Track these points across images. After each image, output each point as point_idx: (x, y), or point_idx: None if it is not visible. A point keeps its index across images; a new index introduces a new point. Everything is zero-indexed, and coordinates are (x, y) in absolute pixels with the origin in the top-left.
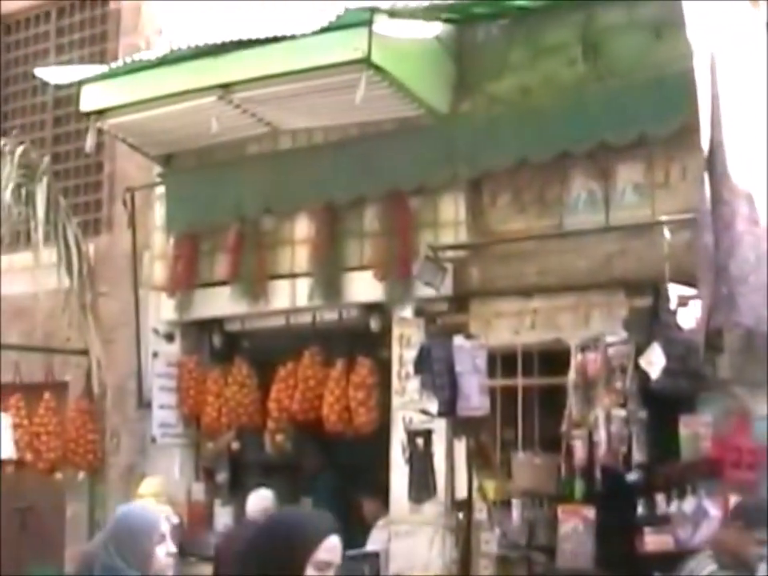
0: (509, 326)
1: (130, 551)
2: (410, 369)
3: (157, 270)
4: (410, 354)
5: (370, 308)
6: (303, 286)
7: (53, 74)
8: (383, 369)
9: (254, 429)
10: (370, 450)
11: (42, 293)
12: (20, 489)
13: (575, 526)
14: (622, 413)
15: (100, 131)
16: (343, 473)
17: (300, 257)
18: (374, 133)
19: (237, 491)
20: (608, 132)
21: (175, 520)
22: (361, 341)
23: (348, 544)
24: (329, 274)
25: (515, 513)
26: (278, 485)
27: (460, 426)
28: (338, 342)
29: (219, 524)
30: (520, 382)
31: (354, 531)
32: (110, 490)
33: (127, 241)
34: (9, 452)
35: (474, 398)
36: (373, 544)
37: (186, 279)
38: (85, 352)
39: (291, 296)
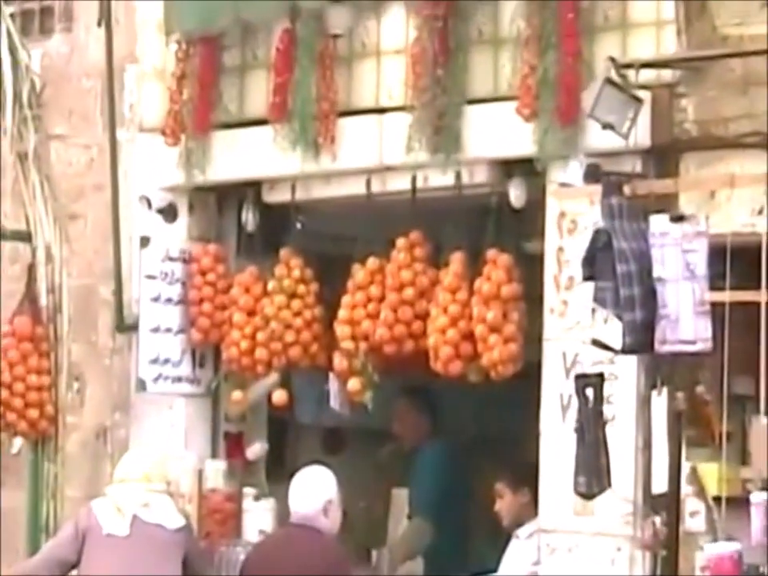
0: (748, 201)
1: None
2: (577, 272)
3: (148, 99)
4: (577, 247)
5: (509, 169)
6: (396, 128)
7: None
8: (530, 272)
9: (312, 370)
10: (507, 408)
11: None
12: None
13: None
14: None
15: None
16: (460, 446)
17: (392, 78)
18: None
19: (281, 474)
20: None
21: (178, 522)
22: (493, 224)
23: (469, 564)
24: (440, 108)
25: (755, 517)
26: (351, 464)
27: (660, 370)
28: (453, 226)
29: (251, 529)
30: (765, 296)
31: (479, 543)
32: (68, 470)
33: (98, 48)
34: None
35: (686, 324)
36: (510, 565)
37: (199, 116)
38: (26, 236)
39: (376, 146)
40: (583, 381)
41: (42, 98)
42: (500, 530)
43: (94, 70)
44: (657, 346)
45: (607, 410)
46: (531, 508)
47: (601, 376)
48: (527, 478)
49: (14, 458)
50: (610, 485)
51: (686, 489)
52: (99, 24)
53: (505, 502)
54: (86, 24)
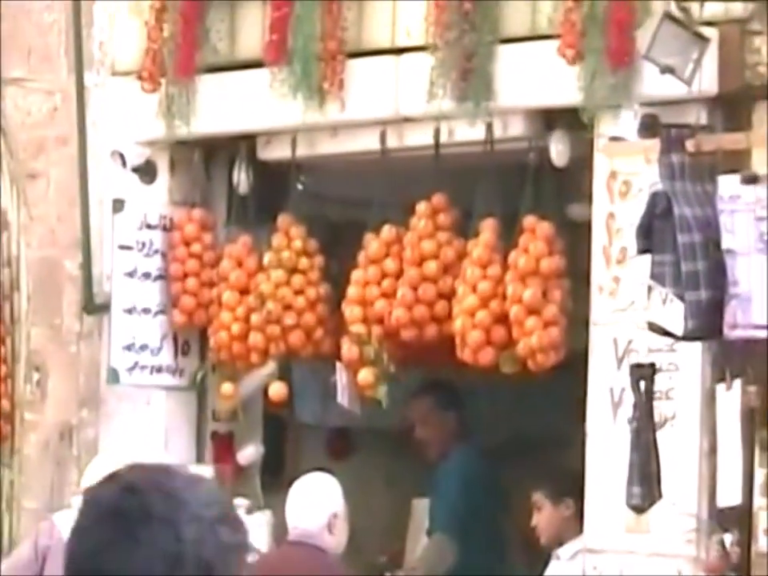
0: None
1: None
2: (631, 243)
3: (122, 36)
4: (631, 214)
5: (550, 120)
6: (416, 71)
7: None
8: (574, 243)
9: (316, 359)
10: (547, 405)
11: None
12: None
13: None
14: None
15: None
16: (492, 450)
17: (411, 12)
18: None
19: (278, 483)
20: None
21: None
22: (531, 186)
23: None
24: (468, 48)
25: None
26: (361, 471)
27: (730, 360)
28: (484, 189)
29: None
30: None
31: (512, 564)
32: (26, 476)
33: None
34: None
35: (761, 305)
36: None
37: (182, 57)
38: None
39: (391, 93)
40: (639, 372)
41: None
42: (537, 550)
43: (56, 2)
44: (726, 331)
45: (666, 407)
46: (575, 523)
47: (652, 367)
48: (570, 487)
49: None
50: (660, 495)
51: (759, 501)
52: None
53: (543, 516)
54: None
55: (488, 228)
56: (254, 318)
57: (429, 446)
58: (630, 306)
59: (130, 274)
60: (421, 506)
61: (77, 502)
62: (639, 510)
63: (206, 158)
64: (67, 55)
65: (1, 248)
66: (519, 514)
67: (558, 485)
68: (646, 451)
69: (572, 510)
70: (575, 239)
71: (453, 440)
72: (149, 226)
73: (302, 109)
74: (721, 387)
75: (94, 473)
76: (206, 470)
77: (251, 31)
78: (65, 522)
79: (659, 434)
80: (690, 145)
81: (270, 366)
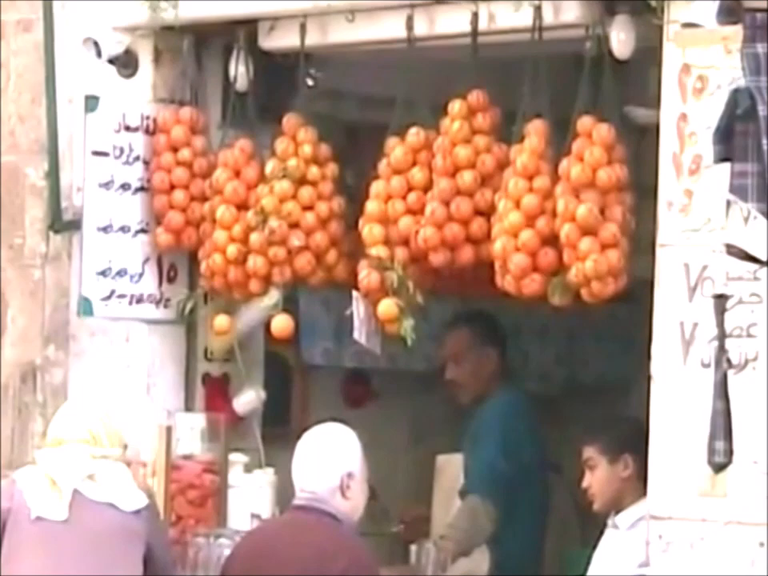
0: None
1: None
2: (707, 149)
3: None
4: (707, 115)
5: (610, 3)
6: None
7: None
8: (639, 150)
9: (327, 287)
10: (604, 342)
11: None
12: None
13: None
14: None
15: None
16: (538, 396)
17: None
18: None
19: (283, 435)
20: None
21: (137, 501)
22: (587, 82)
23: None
24: None
25: None
26: (382, 421)
27: None
28: (530, 85)
29: (239, 513)
30: None
31: (564, 530)
32: None
33: None
34: None
35: None
36: (605, 564)
37: None
38: None
39: None
40: (722, 303)
41: None
42: (590, 516)
43: None
44: None
45: (748, 346)
46: (636, 485)
47: (722, 297)
48: (631, 441)
49: None
50: (729, 453)
51: None
52: None
53: (597, 476)
54: None
55: (535, 131)
56: (254, 238)
57: (463, 389)
58: (705, 224)
59: (106, 186)
60: (453, 463)
61: (41, 456)
62: (723, 467)
63: (197, 48)
64: None
65: None
66: (569, 473)
67: (616, 438)
68: (724, 397)
69: (632, 470)
70: (640, 145)
71: (492, 382)
72: (128, 128)
73: None
74: None
75: (63, 422)
76: (197, 419)
77: None
78: (27, 480)
79: (738, 378)
80: None
81: (273, 296)
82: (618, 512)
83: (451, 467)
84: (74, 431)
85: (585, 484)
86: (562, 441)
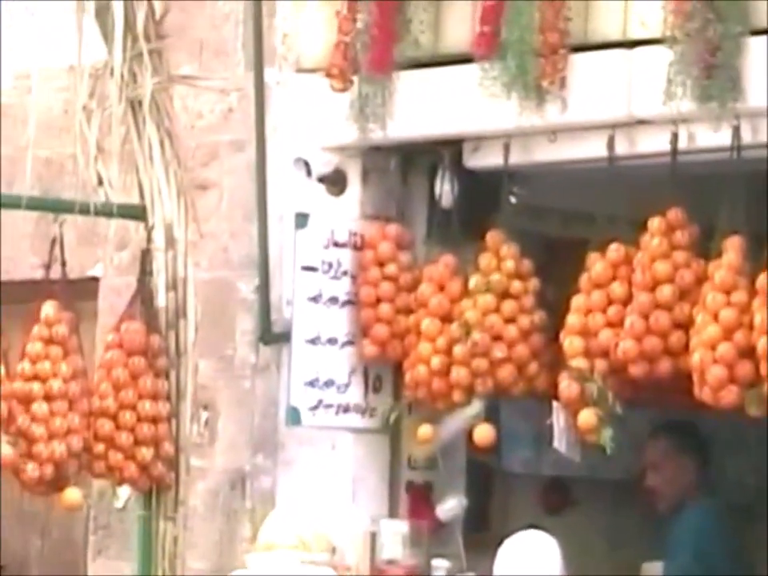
0: None
1: None
2: None
3: (308, 27)
4: None
5: None
6: (651, 67)
7: None
8: None
9: (529, 397)
10: None
11: (38, 75)
12: None
13: None
14: None
15: None
16: (738, 507)
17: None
18: None
19: (484, 541)
20: None
21: None
22: None
23: None
24: (713, 40)
25: None
26: (581, 528)
27: None
28: (729, 202)
29: None
30: None
31: None
32: (192, 532)
33: None
34: None
35: None
36: None
37: (378, 51)
38: (139, 213)
39: (622, 91)
40: None
41: (163, 26)
42: None
43: None
44: None
45: None
46: None
47: None
48: None
49: (119, 514)
50: None
51: None
52: None
53: None
54: None
55: (733, 247)
56: (458, 350)
57: (661, 497)
58: None
59: (314, 299)
60: (657, 570)
61: (252, 561)
62: None
63: (404, 166)
64: (245, 50)
65: (166, 269)
66: None
67: None
68: None
69: None
70: None
71: (690, 491)
72: (336, 244)
73: (516, 110)
74: None
75: (271, 530)
76: (400, 525)
77: (458, 22)
78: None
79: None
80: None
81: (476, 406)
82: None
83: (656, 574)
84: (283, 536)
85: None
86: (756, 548)
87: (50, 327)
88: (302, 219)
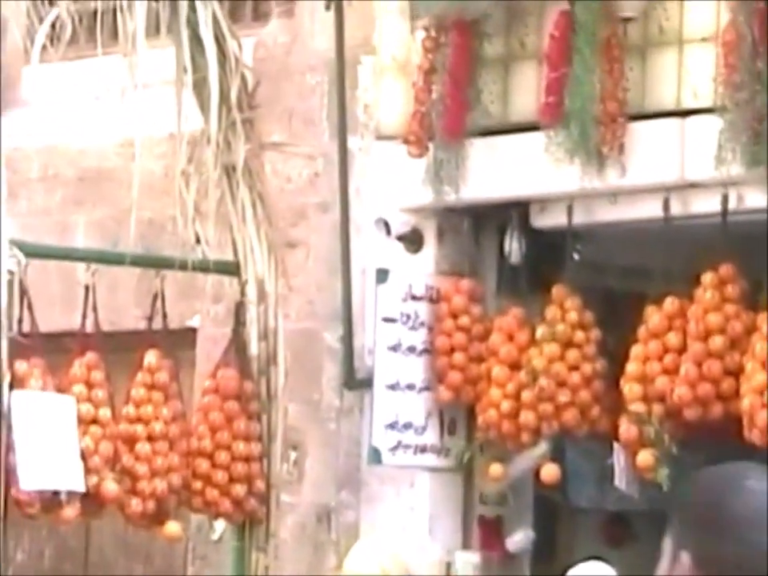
0: None
1: None
2: None
3: (387, 98)
4: None
5: None
6: (703, 134)
7: None
8: None
9: (591, 439)
10: None
11: (141, 142)
12: (89, 560)
13: None
14: None
15: None
16: None
17: (698, 72)
18: None
19: (550, 571)
20: None
21: None
22: None
23: None
24: (760, 109)
25: None
26: (641, 560)
27: None
28: None
29: None
30: None
31: None
32: (282, 561)
33: (326, 36)
34: (76, 480)
35: None
36: None
37: (452, 119)
38: (233, 268)
39: (676, 157)
40: None
41: (255, 97)
42: None
43: (319, 63)
44: None
45: None
46: None
47: None
48: None
49: (215, 545)
50: None
51: None
52: (327, 7)
53: None
54: (310, 6)
55: None
56: (526, 395)
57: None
58: None
59: (394, 348)
60: None
61: None
62: None
63: (476, 226)
64: (329, 119)
65: (258, 320)
66: None
67: None
68: None
69: None
70: None
71: None
72: (414, 297)
73: (579, 174)
74: None
75: (355, 560)
76: (473, 557)
77: (525, 92)
78: None
79: None
80: None
81: (542, 447)
82: None
83: None
84: (366, 567)
85: None
86: None
87: (152, 374)
88: (382, 275)
